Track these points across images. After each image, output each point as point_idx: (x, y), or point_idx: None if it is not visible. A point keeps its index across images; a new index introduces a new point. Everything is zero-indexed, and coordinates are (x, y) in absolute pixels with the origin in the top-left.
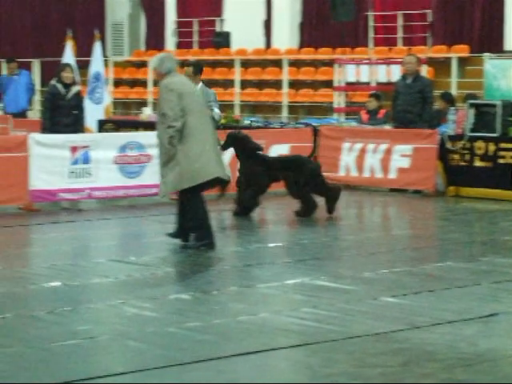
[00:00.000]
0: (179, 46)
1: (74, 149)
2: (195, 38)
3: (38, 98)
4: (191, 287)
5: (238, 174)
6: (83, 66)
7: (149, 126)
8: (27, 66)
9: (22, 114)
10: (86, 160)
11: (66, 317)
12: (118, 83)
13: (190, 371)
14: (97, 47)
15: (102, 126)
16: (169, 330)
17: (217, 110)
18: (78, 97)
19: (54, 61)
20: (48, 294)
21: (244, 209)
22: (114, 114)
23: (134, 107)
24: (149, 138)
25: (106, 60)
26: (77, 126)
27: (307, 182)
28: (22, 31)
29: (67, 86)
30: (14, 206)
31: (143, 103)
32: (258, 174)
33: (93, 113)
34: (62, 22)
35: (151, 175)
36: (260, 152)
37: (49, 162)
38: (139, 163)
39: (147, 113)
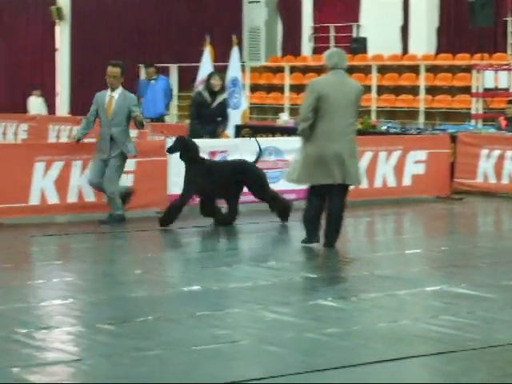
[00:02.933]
0: (316, 51)
1: (212, 154)
2: (332, 43)
3: (175, 103)
4: (330, 293)
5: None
6: (220, 71)
7: (285, 131)
8: (165, 71)
9: (159, 119)
10: None
11: (205, 321)
12: (254, 88)
13: (329, 377)
14: (234, 52)
15: (239, 131)
16: (308, 335)
17: (140, 115)
18: (223, 106)
19: (192, 66)
20: (187, 298)
21: (168, 215)
22: (250, 119)
23: (270, 112)
24: (286, 143)
25: (242, 65)
26: (216, 132)
27: (251, 188)
28: (160, 37)
29: (214, 94)
30: (152, 210)
31: (279, 109)
32: (198, 179)
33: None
34: (200, 28)
35: None
36: (204, 157)
37: None
38: (277, 168)
39: (284, 118)
